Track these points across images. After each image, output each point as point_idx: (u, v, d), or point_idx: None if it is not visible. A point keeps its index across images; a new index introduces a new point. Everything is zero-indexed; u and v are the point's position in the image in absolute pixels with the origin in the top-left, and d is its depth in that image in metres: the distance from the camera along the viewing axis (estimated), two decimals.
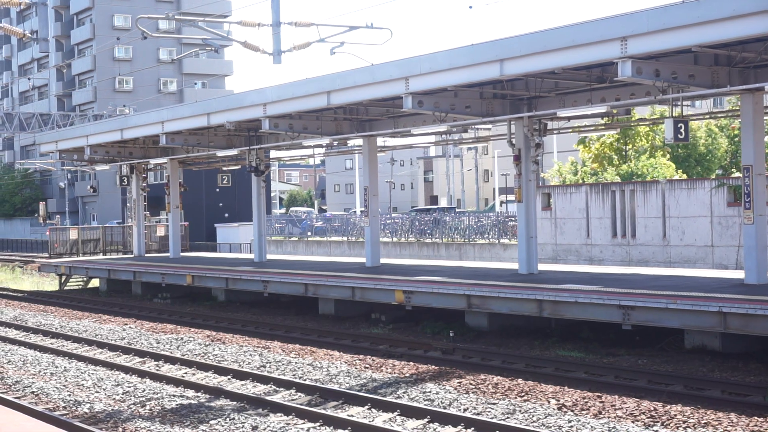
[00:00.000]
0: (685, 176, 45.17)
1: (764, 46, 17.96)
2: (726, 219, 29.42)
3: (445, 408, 13.92)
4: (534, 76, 21.90)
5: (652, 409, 13.48)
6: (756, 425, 12.55)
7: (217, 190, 59.65)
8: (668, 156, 47.57)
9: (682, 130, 19.31)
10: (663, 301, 17.20)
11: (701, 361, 16.98)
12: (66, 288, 38.91)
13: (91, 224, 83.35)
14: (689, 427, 12.50)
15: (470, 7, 29.02)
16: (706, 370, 16.48)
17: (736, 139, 54.17)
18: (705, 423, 12.68)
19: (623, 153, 46.24)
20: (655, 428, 12.47)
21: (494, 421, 12.79)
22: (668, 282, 20.43)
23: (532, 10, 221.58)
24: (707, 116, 31.46)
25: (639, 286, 19.63)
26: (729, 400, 14.30)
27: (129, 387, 16.47)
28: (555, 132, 28.88)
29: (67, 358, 20.25)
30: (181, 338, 22.36)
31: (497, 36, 24.51)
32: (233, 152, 34.32)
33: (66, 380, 17.39)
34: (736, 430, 12.36)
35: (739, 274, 20.38)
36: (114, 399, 15.57)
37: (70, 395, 15.86)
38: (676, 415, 13.13)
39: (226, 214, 64.31)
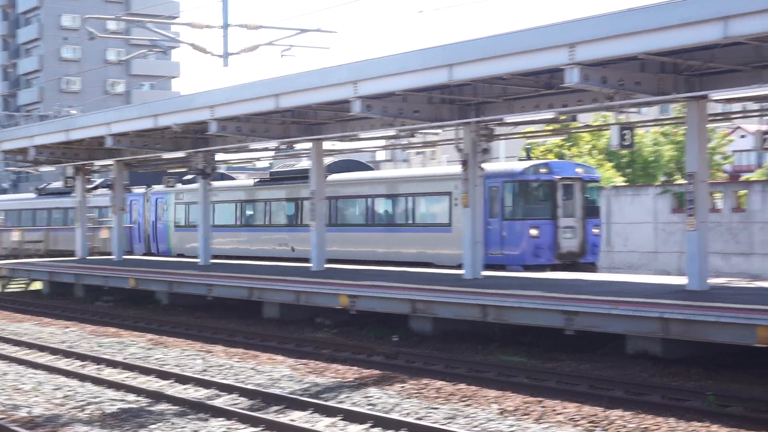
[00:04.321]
0: (627, 183, 45.55)
1: (710, 54, 18.11)
2: (670, 225, 29.71)
3: (387, 413, 13.86)
4: (482, 82, 21.95)
5: (593, 414, 13.53)
6: (695, 430, 12.63)
7: None
8: (610, 164, 47.86)
9: (627, 137, 19.45)
10: (605, 307, 17.29)
11: (642, 366, 17.08)
12: (7, 290, 38.38)
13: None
14: None
15: (420, 12, 29.06)
16: (647, 375, 16.58)
17: (681, 146, 54.67)
18: (644, 428, 12.75)
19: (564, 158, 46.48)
20: None
21: (436, 426, 12.76)
22: (611, 288, 20.56)
23: (481, 15, 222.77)
24: (653, 123, 31.70)
25: (582, 291, 19.72)
26: (669, 405, 14.38)
27: (69, 391, 16.22)
28: (502, 137, 29.03)
29: (6, 361, 19.90)
30: (123, 342, 22.13)
31: (447, 41, 24.54)
32: (180, 154, 34.06)
33: (4, 384, 17.09)
34: None
35: (681, 281, 20.55)
36: (53, 403, 15.33)
37: (8, 399, 15.59)
38: (616, 420, 13.18)
39: None
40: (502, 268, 27.67)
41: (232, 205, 39.70)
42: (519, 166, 29.82)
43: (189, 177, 40.10)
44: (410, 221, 31.91)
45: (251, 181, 40.83)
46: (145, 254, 43.62)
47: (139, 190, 45.54)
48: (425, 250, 30.74)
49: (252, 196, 39.03)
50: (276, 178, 37.93)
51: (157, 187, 44.54)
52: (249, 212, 39.49)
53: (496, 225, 28.60)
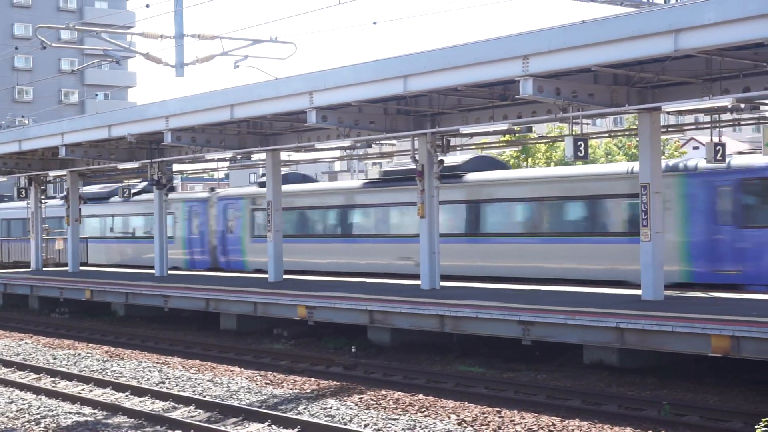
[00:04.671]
0: None
1: (661, 66, 18.34)
2: None
3: (345, 424, 13.87)
4: (438, 93, 22.05)
5: (551, 423, 13.62)
6: None
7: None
8: None
9: (581, 148, 19.61)
10: (562, 317, 17.41)
11: (599, 376, 17.22)
12: None
13: None
14: None
15: (374, 23, 29.07)
16: (604, 385, 16.72)
17: (634, 157, 55.25)
18: None
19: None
20: None
21: None
22: (568, 298, 20.69)
23: (436, 27, 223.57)
24: (607, 134, 32.01)
25: (539, 302, 19.84)
26: (625, 414, 14.52)
27: (23, 404, 16.07)
28: (458, 148, 29.10)
29: None
30: (79, 354, 21.95)
31: (402, 52, 24.59)
32: (135, 165, 33.82)
33: None
34: None
35: (636, 291, 20.73)
36: (7, 417, 15.18)
37: None
38: (573, 429, 13.29)
39: None
40: (734, 288, 22.58)
41: (329, 212, 33.94)
42: (760, 160, 24.19)
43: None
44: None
45: (355, 183, 36.32)
46: (209, 269, 38.05)
47: (199, 194, 40.74)
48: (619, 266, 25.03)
49: (358, 200, 33.22)
50: (393, 179, 32.13)
51: (224, 191, 39.94)
52: (354, 220, 33.60)
53: (729, 234, 23.14)
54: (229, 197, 38.11)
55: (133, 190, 40.89)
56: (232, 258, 37.39)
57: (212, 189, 40.62)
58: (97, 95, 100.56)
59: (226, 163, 38.04)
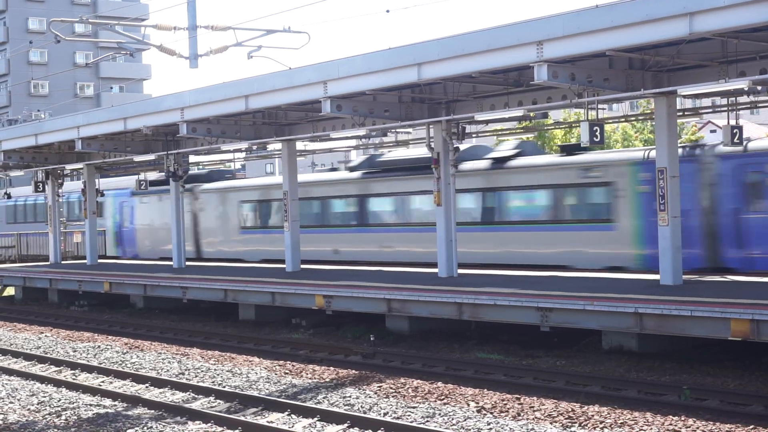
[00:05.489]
0: None
1: (677, 50, 18.25)
2: None
3: (365, 412, 13.89)
4: (452, 80, 21.99)
5: (570, 410, 13.61)
6: (671, 424, 12.72)
7: None
8: None
9: (597, 133, 19.53)
10: (580, 303, 17.38)
11: (618, 361, 17.18)
12: None
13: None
14: (606, 427, 12.64)
15: (387, 11, 29.00)
16: (623, 370, 16.68)
17: (651, 142, 55.02)
18: (621, 423, 12.83)
19: None
20: (572, 429, 12.58)
21: (414, 424, 12.80)
22: (586, 284, 20.65)
23: (449, 14, 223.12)
24: (622, 119, 31.87)
25: (556, 288, 19.81)
26: (645, 399, 14.49)
27: (44, 397, 16.16)
28: (474, 135, 29.02)
29: None
30: (99, 346, 22.04)
31: (415, 40, 24.43)
32: (151, 157, 33.91)
33: None
34: (651, 429, 12.52)
35: (655, 276, 20.67)
36: (29, 409, 15.26)
37: None
38: (593, 415, 13.27)
39: None
40: None
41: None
42: None
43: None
44: None
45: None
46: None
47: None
48: None
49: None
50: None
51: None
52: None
53: None
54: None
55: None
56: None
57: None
58: (112, 88, 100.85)
59: (242, 154, 38.08)
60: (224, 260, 36.03)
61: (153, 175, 39.21)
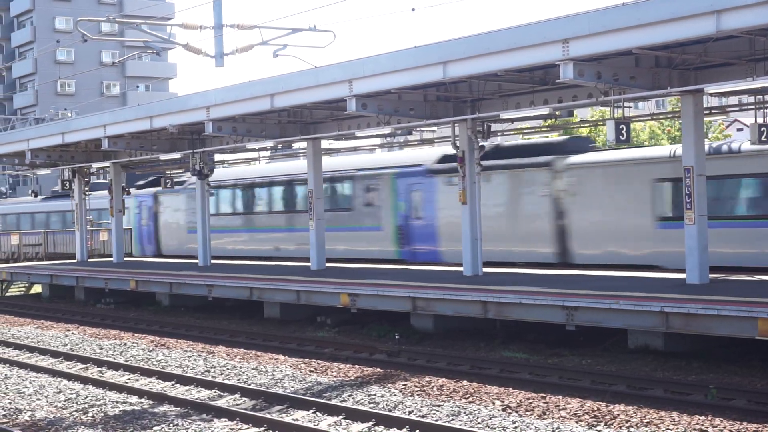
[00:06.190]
0: None
1: (703, 48, 18.15)
2: None
3: (390, 411, 13.90)
4: (477, 79, 21.97)
5: (596, 409, 13.57)
6: (697, 423, 12.67)
7: None
8: None
9: (623, 132, 19.45)
10: (606, 302, 17.31)
11: (644, 360, 17.12)
12: (7, 294, 38.37)
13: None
14: (632, 427, 12.60)
15: (413, 10, 29.00)
16: (649, 369, 16.62)
17: (678, 140, 54.77)
18: (647, 422, 12.79)
19: None
20: (598, 428, 12.55)
21: (439, 423, 12.80)
22: (611, 283, 20.57)
23: (474, 12, 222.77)
24: (649, 117, 31.75)
25: (582, 287, 19.75)
26: (671, 399, 14.43)
27: (71, 394, 16.26)
28: (499, 134, 29.00)
29: (7, 365, 19.95)
30: (125, 344, 22.15)
31: (440, 38, 24.48)
32: (176, 156, 34.05)
33: (6, 388, 17.13)
34: (678, 428, 12.47)
35: (681, 275, 20.57)
36: (56, 406, 15.36)
37: (10, 403, 15.62)
38: (619, 414, 13.23)
39: None
40: None
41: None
42: None
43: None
44: None
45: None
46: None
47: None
48: None
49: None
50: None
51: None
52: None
53: None
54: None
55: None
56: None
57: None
58: (138, 87, 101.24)
59: (267, 152, 38.17)
60: None
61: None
